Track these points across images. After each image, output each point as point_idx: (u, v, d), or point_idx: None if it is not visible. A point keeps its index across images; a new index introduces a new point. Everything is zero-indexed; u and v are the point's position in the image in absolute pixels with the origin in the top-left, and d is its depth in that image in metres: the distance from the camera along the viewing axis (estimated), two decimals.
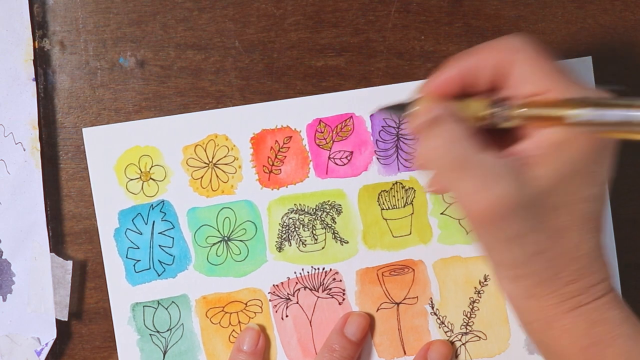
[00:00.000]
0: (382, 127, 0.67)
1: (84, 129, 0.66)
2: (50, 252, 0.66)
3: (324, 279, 0.67)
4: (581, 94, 0.52)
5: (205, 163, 0.66)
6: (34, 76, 0.65)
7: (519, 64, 0.54)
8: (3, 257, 0.67)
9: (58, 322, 0.66)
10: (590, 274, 0.53)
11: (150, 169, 0.66)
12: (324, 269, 0.67)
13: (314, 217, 0.67)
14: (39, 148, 0.65)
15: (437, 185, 0.58)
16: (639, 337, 0.53)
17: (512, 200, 0.52)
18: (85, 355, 0.68)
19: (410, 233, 0.67)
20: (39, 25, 0.66)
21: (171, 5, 0.66)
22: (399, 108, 0.60)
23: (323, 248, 0.67)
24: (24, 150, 0.65)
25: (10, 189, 0.66)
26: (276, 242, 0.67)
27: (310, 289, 0.67)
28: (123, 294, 0.66)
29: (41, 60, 0.66)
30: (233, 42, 0.67)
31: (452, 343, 0.67)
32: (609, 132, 0.51)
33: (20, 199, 0.66)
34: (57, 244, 0.67)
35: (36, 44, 0.66)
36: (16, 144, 0.65)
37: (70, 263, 0.66)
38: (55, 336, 0.66)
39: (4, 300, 0.67)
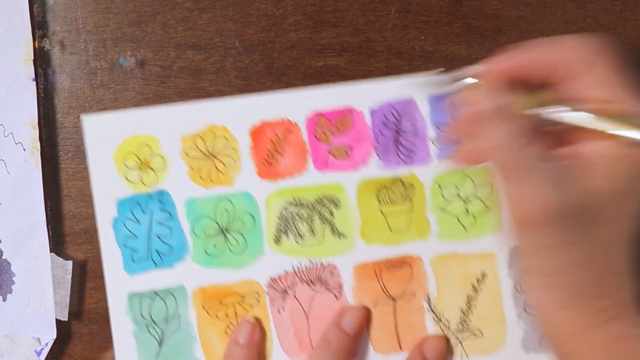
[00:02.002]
0: (382, 121, 0.67)
1: (83, 117, 0.65)
2: (50, 252, 0.66)
3: (321, 273, 0.67)
4: None
5: (204, 154, 0.66)
6: (34, 76, 0.65)
7: (598, 67, 0.52)
8: (3, 257, 0.67)
9: (58, 322, 0.66)
10: (620, 291, 0.53)
11: (149, 158, 0.66)
12: (321, 263, 0.67)
13: (312, 210, 0.67)
14: (39, 148, 0.65)
15: (470, 158, 0.56)
16: None
17: (561, 207, 0.51)
18: (85, 355, 0.68)
19: (409, 229, 0.67)
20: (39, 25, 0.66)
21: (171, 5, 0.66)
22: (449, 82, 0.58)
23: (321, 242, 0.67)
24: (24, 150, 0.65)
25: (10, 189, 0.66)
26: (274, 234, 0.67)
27: (308, 283, 0.67)
28: (120, 284, 0.66)
29: (41, 60, 0.66)
30: (233, 42, 0.66)
31: (448, 340, 0.68)
32: None
33: (20, 199, 0.66)
34: (57, 244, 0.67)
35: (36, 44, 0.65)
36: (16, 144, 0.65)
37: (70, 263, 0.66)
38: (55, 336, 0.66)
39: (4, 300, 0.67)
